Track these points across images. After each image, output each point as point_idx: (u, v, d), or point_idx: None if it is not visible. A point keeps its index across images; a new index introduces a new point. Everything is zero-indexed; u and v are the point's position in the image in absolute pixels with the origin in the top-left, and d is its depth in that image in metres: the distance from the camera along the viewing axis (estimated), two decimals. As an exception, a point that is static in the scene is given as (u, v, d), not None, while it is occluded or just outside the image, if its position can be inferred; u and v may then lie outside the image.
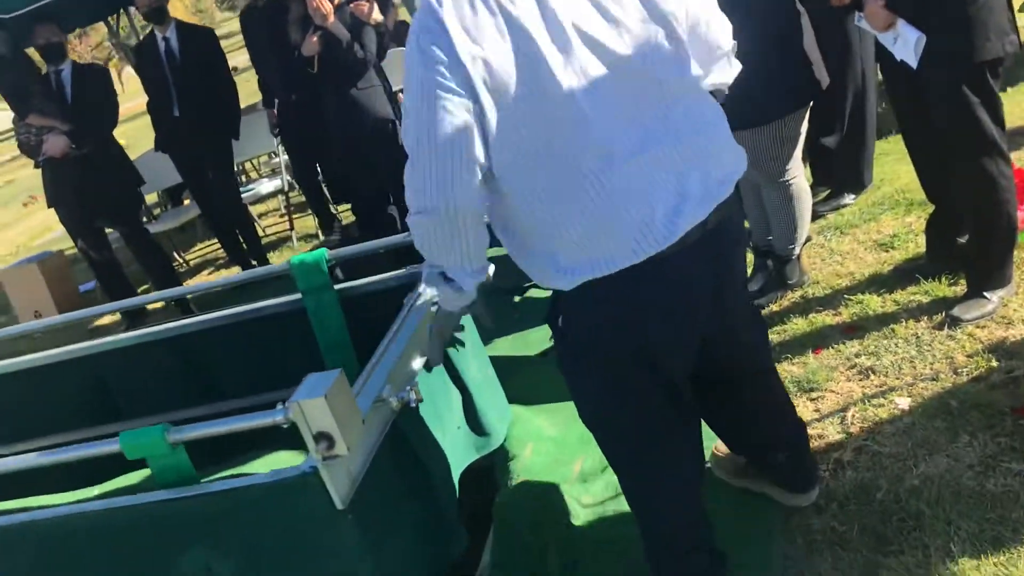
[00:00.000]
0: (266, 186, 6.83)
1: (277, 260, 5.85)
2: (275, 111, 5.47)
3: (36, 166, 5.44)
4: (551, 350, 3.22)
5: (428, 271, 1.79)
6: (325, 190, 5.93)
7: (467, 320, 2.39)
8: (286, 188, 6.53)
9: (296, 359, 2.73)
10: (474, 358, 2.47)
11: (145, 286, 5.98)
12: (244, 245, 5.67)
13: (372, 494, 1.92)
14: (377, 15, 4.37)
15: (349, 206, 5.73)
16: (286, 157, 6.33)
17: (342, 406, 1.75)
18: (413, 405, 2.00)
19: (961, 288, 2.83)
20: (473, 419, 2.50)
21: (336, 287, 2.69)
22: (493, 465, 2.58)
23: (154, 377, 2.99)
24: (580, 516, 2.45)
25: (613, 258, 1.59)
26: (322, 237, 6.03)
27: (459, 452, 2.43)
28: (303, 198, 6.32)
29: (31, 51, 5.55)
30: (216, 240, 6.31)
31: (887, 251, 3.25)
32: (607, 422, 1.85)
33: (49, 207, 5.53)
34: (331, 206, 6.05)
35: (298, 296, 2.77)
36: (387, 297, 2.70)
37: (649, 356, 1.70)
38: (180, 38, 5.24)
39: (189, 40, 5.26)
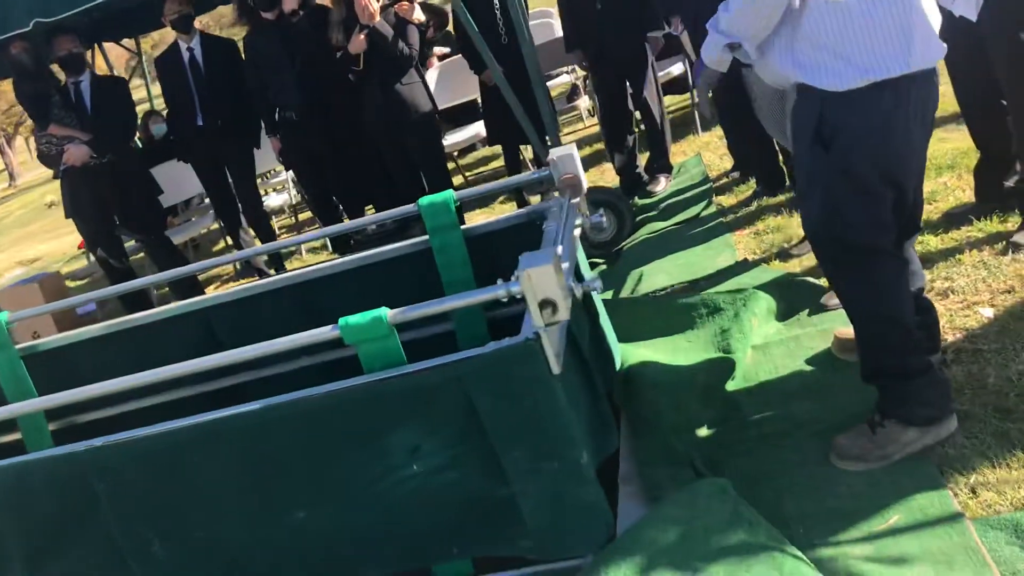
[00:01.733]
0: (274, 200, 6.95)
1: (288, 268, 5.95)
2: (278, 138, 5.48)
3: (55, 176, 5.49)
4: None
5: (715, 41, 2.27)
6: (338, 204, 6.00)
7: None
8: (293, 202, 6.67)
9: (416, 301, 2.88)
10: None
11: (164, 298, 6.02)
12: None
13: (567, 370, 2.10)
14: (419, 15, 4.62)
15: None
16: (291, 173, 6.48)
17: (560, 278, 1.94)
18: (598, 292, 2.19)
19: (1013, 224, 3.16)
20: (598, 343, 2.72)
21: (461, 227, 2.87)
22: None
23: (270, 327, 3.10)
24: (706, 426, 2.67)
25: (905, 60, 1.94)
26: (330, 250, 6.15)
27: (602, 363, 2.65)
28: (309, 212, 6.45)
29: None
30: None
31: (931, 203, 3.59)
32: (857, 227, 2.13)
33: (67, 217, 5.56)
34: (345, 219, 6.15)
35: (418, 240, 2.95)
36: (507, 236, 2.91)
37: (899, 170, 2.06)
38: (204, 48, 5.39)
39: (212, 51, 5.42)
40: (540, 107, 4.28)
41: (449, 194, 2.85)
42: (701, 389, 2.75)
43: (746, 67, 2.47)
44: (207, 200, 7.80)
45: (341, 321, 2.09)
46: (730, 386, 2.82)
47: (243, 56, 5.44)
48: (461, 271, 2.89)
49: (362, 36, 4.55)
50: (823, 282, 3.13)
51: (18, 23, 4.58)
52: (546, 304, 1.95)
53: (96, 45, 6.71)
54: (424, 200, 2.86)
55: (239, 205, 5.76)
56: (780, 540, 2.01)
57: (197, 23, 5.56)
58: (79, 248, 10.87)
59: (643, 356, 2.87)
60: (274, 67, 5.10)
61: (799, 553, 1.97)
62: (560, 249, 2.03)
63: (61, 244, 13.13)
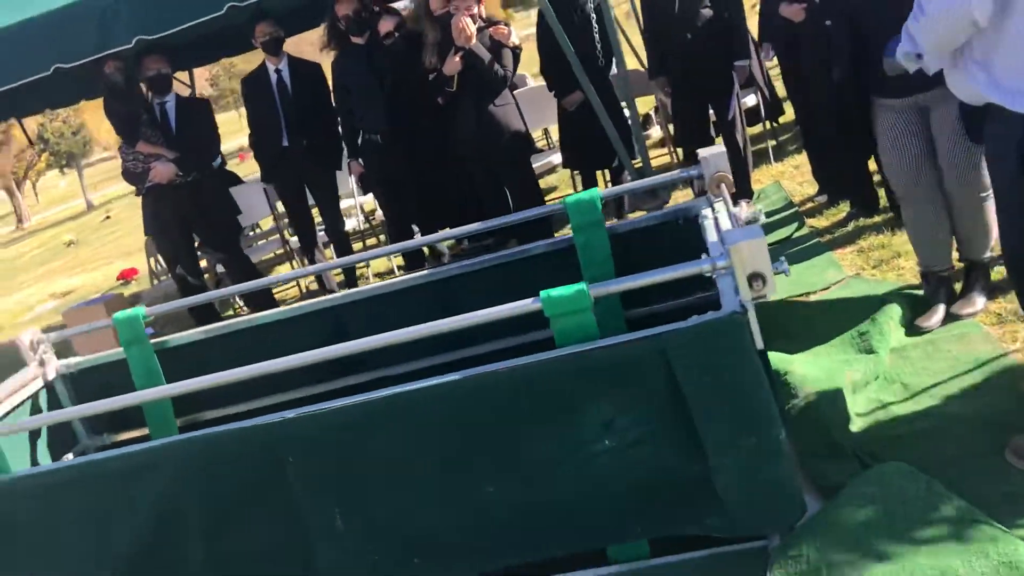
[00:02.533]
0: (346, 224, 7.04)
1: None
2: (359, 162, 5.58)
3: (137, 193, 5.59)
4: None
5: (903, 52, 2.41)
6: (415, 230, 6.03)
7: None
8: (361, 228, 6.76)
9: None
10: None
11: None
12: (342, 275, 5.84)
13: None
14: (515, 38, 4.75)
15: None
16: (363, 198, 6.58)
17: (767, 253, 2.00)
18: (787, 275, 2.24)
19: None
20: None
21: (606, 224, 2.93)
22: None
23: (403, 325, 3.14)
24: (861, 421, 2.70)
25: None
26: (398, 274, 6.20)
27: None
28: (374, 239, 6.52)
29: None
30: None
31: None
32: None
33: (147, 235, 5.64)
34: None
35: (559, 239, 3.01)
36: (650, 234, 2.97)
37: None
38: (292, 70, 5.51)
39: (300, 73, 5.54)
40: (632, 127, 4.37)
41: (595, 192, 2.92)
42: (851, 387, 2.79)
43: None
44: (257, 229, 7.94)
45: (543, 293, 2.14)
46: (876, 385, 2.86)
47: (328, 79, 5.55)
48: (603, 268, 2.94)
49: (457, 58, 4.67)
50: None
51: (120, 40, 4.71)
52: (755, 277, 2.00)
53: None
54: (571, 198, 2.93)
55: (314, 227, 5.84)
56: (982, 517, 2.03)
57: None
58: (119, 279, 11.00)
59: (786, 355, 2.91)
60: (363, 90, 5.21)
61: (1005, 529, 1.99)
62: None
63: (92, 277, 13.24)
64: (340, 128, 5.58)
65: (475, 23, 4.66)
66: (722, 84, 4.88)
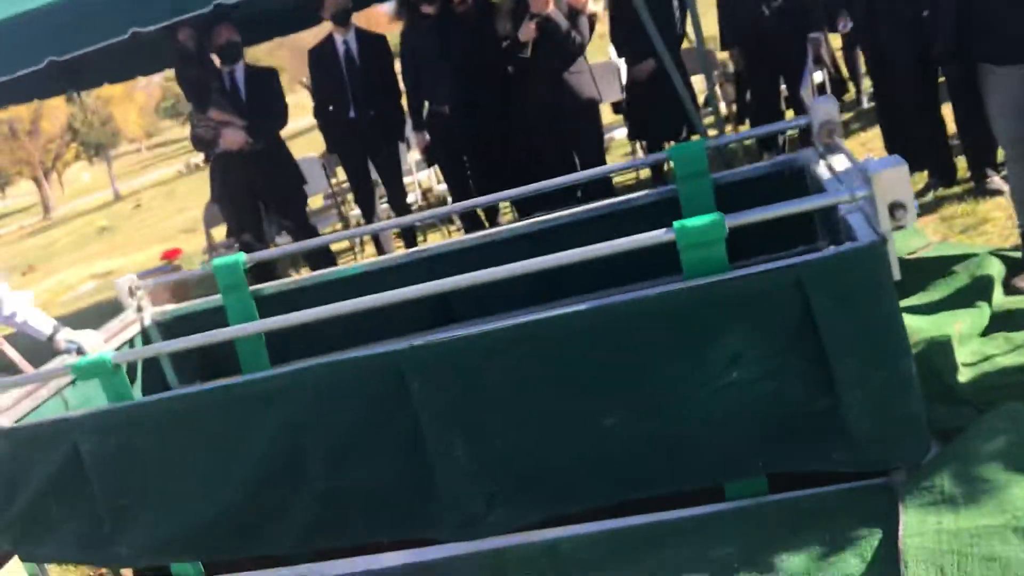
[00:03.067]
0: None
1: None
2: (426, 134, 5.63)
3: (206, 160, 5.65)
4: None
5: None
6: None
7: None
8: (419, 204, 6.80)
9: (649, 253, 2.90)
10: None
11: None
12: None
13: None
14: (592, 5, 4.77)
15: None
16: (420, 175, 6.62)
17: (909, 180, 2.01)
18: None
19: None
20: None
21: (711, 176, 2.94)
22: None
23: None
24: (971, 371, 2.70)
25: None
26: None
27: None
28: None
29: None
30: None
31: None
32: None
33: (214, 201, 5.71)
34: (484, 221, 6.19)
35: (662, 189, 3.03)
36: (754, 185, 2.98)
37: None
38: (359, 42, 5.55)
39: (367, 44, 5.58)
40: (709, 93, 4.38)
41: (701, 142, 2.93)
42: (957, 337, 2.79)
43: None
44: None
45: (676, 223, 2.16)
46: (980, 339, 2.86)
47: (394, 51, 5.59)
48: (707, 218, 2.94)
49: (534, 24, 4.69)
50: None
51: (198, 4, 4.76)
52: (896, 207, 2.01)
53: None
54: (675, 147, 2.95)
55: (375, 200, 5.90)
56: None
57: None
58: (162, 259, 11.10)
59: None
60: (431, 62, 5.25)
61: None
62: (897, 160, 2.09)
63: (132, 260, 13.37)
64: (406, 100, 5.61)
65: None
66: (795, 57, 4.88)
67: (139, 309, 3.31)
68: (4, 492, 2.59)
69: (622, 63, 5.68)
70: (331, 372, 2.32)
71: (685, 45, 5.37)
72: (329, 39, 5.66)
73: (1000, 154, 3.84)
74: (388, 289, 2.47)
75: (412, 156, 6.12)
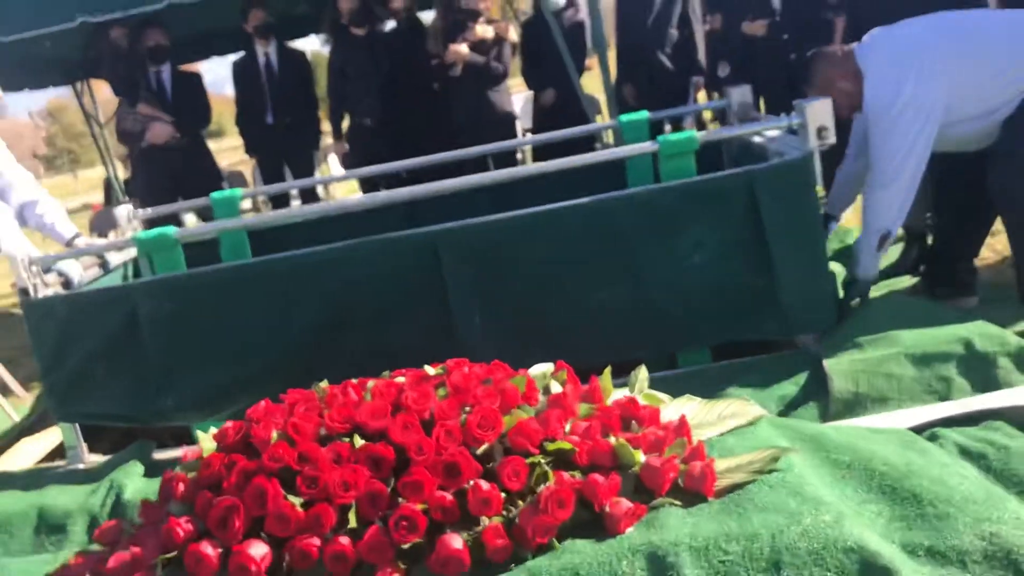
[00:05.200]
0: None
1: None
2: (345, 143, 6.24)
3: (129, 154, 6.00)
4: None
5: (874, 239, 3.01)
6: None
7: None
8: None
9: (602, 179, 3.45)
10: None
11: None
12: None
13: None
14: (513, 36, 5.59)
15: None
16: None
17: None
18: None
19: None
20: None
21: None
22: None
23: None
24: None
25: None
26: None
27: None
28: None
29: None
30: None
31: None
32: None
33: (128, 195, 6.02)
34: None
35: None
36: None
37: None
38: (279, 54, 6.15)
39: (286, 57, 6.19)
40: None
41: (644, 113, 3.71)
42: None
43: None
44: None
45: (660, 137, 2.92)
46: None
47: (312, 67, 6.22)
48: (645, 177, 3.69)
49: (463, 47, 5.45)
50: None
51: (152, 2, 5.25)
52: (821, 130, 2.85)
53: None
54: (624, 116, 3.73)
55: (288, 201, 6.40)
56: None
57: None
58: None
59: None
60: (359, 77, 5.89)
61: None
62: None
63: None
64: (328, 111, 6.21)
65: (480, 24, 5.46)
66: (679, 94, 5.86)
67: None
68: (53, 354, 2.94)
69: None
70: (377, 247, 2.88)
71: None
72: (251, 51, 6.20)
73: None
74: (372, 226, 3.05)
75: (337, 159, 6.66)
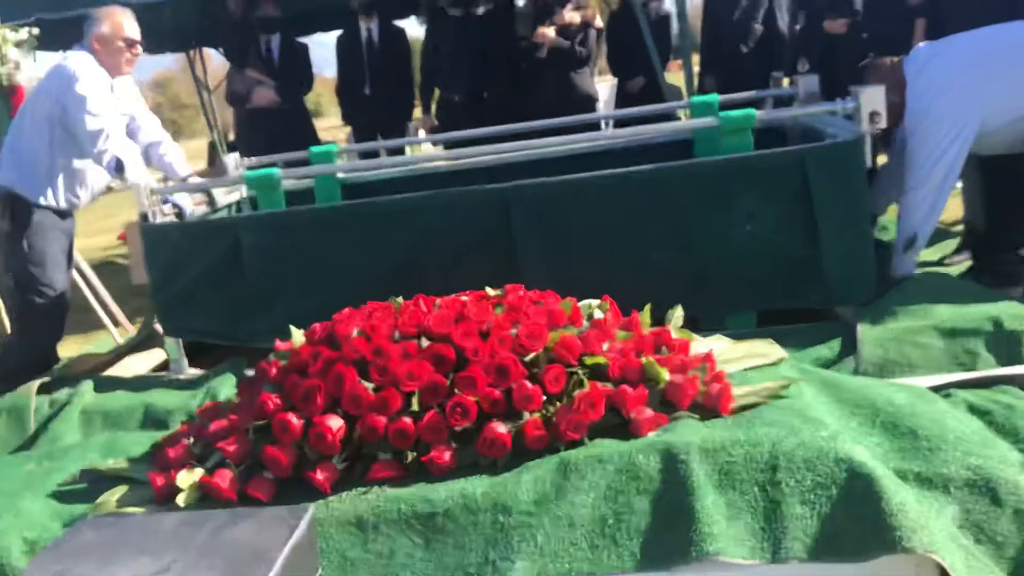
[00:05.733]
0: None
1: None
2: (433, 118, 6.60)
3: (237, 114, 6.46)
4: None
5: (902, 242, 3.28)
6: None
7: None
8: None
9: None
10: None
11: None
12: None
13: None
14: (598, 22, 5.86)
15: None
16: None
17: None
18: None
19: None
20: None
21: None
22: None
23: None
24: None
25: None
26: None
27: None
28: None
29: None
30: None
31: None
32: None
33: (232, 151, 6.47)
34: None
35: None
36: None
37: None
38: (380, 29, 6.53)
39: (387, 33, 6.56)
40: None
41: (715, 96, 3.93)
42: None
43: None
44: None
45: (722, 114, 3.15)
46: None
47: (411, 44, 6.57)
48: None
49: (551, 29, 5.73)
50: None
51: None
52: (873, 115, 3.05)
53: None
54: (695, 98, 3.96)
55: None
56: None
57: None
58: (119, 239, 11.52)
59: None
60: (451, 54, 6.23)
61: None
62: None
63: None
64: (420, 87, 6.57)
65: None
66: (762, 88, 6.03)
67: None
68: (164, 275, 3.32)
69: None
70: (454, 198, 3.19)
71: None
72: (355, 26, 6.59)
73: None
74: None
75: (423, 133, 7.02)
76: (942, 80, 3.16)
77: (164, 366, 3.71)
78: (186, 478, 1.98)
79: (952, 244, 4.32)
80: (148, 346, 3.98)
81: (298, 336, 2.29)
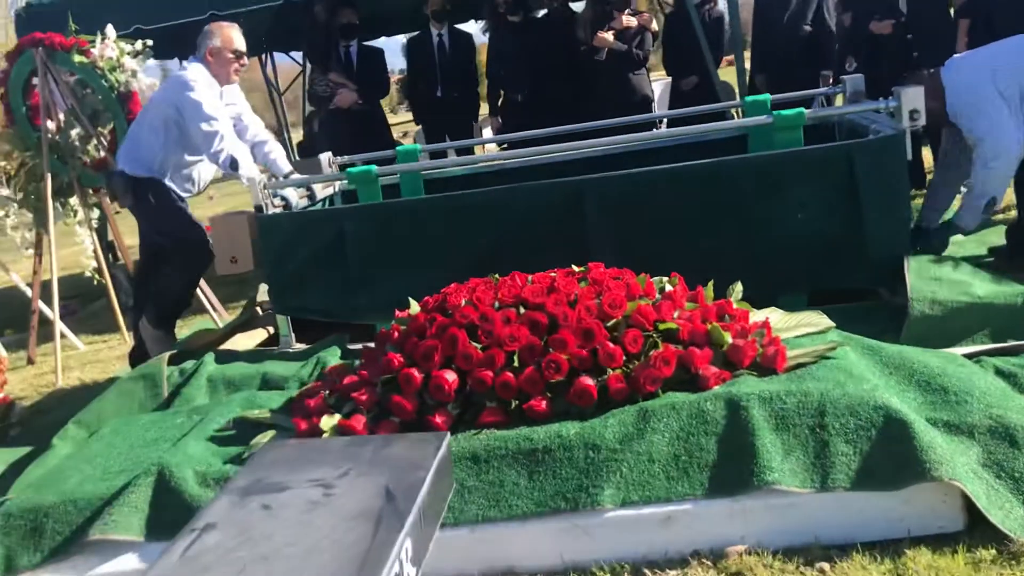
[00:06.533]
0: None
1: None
2: (499, 119, 6.96)
3: (319, 114, 6.88)
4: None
5: (980, 201, 3.55)
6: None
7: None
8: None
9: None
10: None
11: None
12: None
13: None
14: (654, 25, 6.17)
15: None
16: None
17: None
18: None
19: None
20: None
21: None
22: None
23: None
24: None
25: None
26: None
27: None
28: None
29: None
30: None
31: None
32: None
33: (313, 155, 6.90)
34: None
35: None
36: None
37: None
38: (450, 36, 6.89)
39: (457, 39, 6.93)
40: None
41: (767, 96, 4.24)
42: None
43: None
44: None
45: (775, 112, 3.46)
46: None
47: (478, 48, 6.94)
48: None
49: (610, 34, 6.06)
50: None
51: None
52: (913, 113, 3.34)
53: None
54: (748, 98, 4.26)
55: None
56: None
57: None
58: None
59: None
60: (513, 57, 6.58)
61: None
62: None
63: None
64: (486, 89, 6.93)
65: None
66: (810, 87, 6.29)
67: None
68: (277, 259, 3.73)
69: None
70: (532, 190, 3.55)
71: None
72: (427, 31, 6.97)
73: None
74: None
75: (490, 132, 7.40)
76: (978, 73, 3.48)
77: (267, 342, 4.13)
78: (327, 422, 2.36)
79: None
80: (251, 326, 4.40)
81: (414, 306, 2.67)
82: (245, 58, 4.17)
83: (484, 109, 7.36)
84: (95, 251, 5.66)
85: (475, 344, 2.39)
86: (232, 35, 4.13)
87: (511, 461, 2.24)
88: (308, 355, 3.60)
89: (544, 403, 2.32)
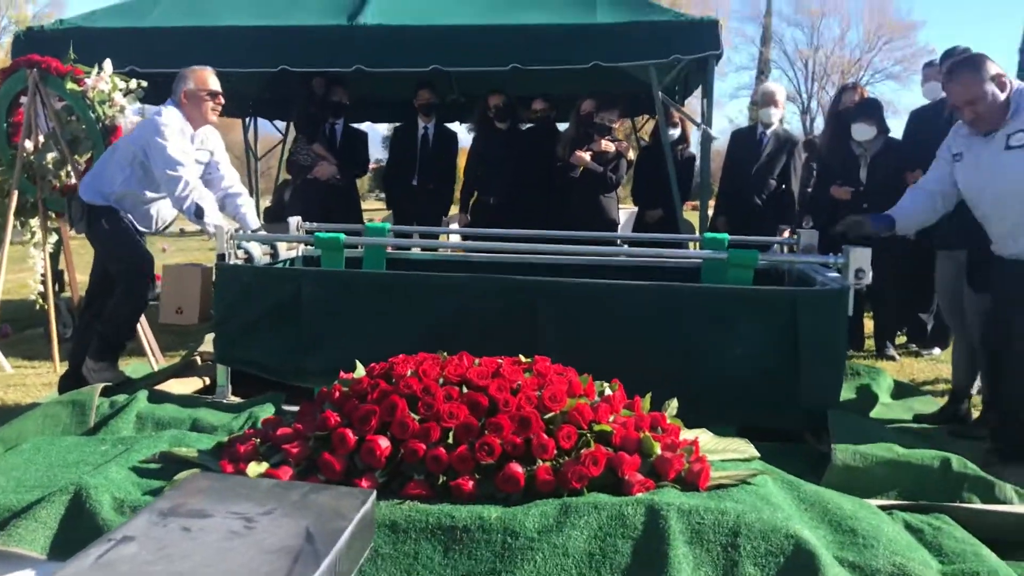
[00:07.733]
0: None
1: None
2: (468, 216, 7.14)
3: (293, 181, 7.00)
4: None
5: None
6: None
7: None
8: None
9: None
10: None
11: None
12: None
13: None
14: (630, 154, 6.43)
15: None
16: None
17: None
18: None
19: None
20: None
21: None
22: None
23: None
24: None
25: None
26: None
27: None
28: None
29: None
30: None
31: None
32: None
33: (269, 222, 6.98)
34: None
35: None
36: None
37: None
38: (436, 130, 7.12)
39: (441, 133, 7.15)
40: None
41: (725, 235, 4.43)
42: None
43: None
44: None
45: (731, 250, 3.63)
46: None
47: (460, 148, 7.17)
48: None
49: (587, 154, 6.31)
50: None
51: (343, 64, 6.29)
52: (859, 272, 3.53)
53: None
54: (708, 234, 4.46)
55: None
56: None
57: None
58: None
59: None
60: (493, 162, 6.80)
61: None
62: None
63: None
64: (461, 188, 7.13)
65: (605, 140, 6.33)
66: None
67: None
68: (229, 309, 3.76)
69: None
70: (489, 283, 3.65)
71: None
72: (413, 123, 7.19)
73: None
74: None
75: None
76: None
77: (201, 391, 4.11)
78: (254, 468, 2.36)
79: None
80: (188, 374, 4.38)
81: (360, 369, 2.71)
82: (221, 97, 4.27)
83: (454, 209, 7.54)
84: (44, 276, 5.61)
85: (413, 415, 2.43)
86: (206, 76, 4.24)
87: (429, 535, 2.26)
88: (241, 408, 3.59)
89: (471, 483, 2.35)
